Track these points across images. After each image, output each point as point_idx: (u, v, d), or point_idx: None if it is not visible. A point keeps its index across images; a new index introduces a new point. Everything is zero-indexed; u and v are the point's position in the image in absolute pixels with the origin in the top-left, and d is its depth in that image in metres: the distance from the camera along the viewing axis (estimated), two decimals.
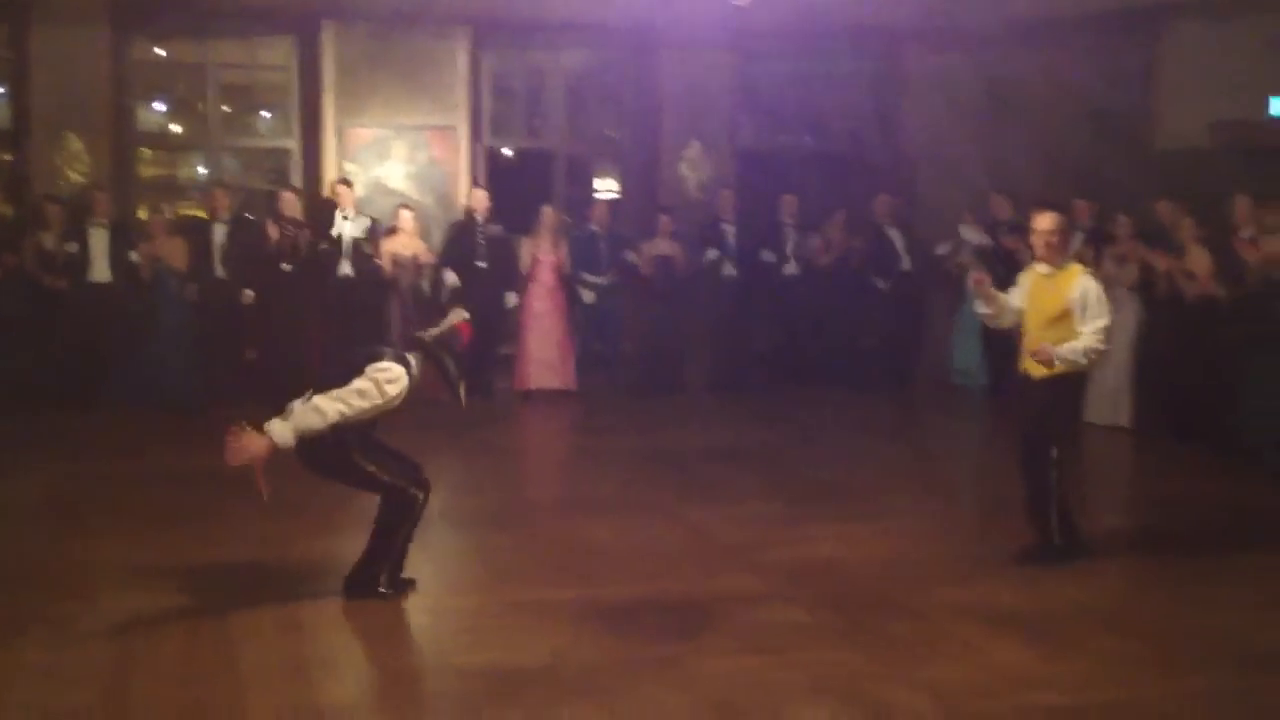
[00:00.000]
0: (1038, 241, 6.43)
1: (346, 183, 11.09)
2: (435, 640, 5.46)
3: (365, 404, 5.32)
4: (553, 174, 12.57)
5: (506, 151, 12.84)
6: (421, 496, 5.74)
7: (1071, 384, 6.48)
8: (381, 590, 5.71)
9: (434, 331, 5.74)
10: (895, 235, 11.93)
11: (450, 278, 11.00)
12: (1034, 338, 6.39)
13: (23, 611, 5.50)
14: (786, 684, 4.92)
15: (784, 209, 11.95)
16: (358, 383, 5.33)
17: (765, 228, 11.96)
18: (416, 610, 5.74)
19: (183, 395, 10.24)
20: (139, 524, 7.05)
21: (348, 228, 10.88)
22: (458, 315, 5.82)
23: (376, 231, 10.93)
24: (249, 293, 10.63)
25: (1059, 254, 6.43)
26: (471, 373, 10.46)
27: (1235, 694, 4.85)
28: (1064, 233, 6.52)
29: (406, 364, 5.51)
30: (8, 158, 11.51)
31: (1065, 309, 6.27)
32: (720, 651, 5.25)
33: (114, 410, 10.18)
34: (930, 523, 7.28)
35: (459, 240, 11.25)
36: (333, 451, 5.48)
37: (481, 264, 11.15)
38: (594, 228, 11.68)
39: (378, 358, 5.45)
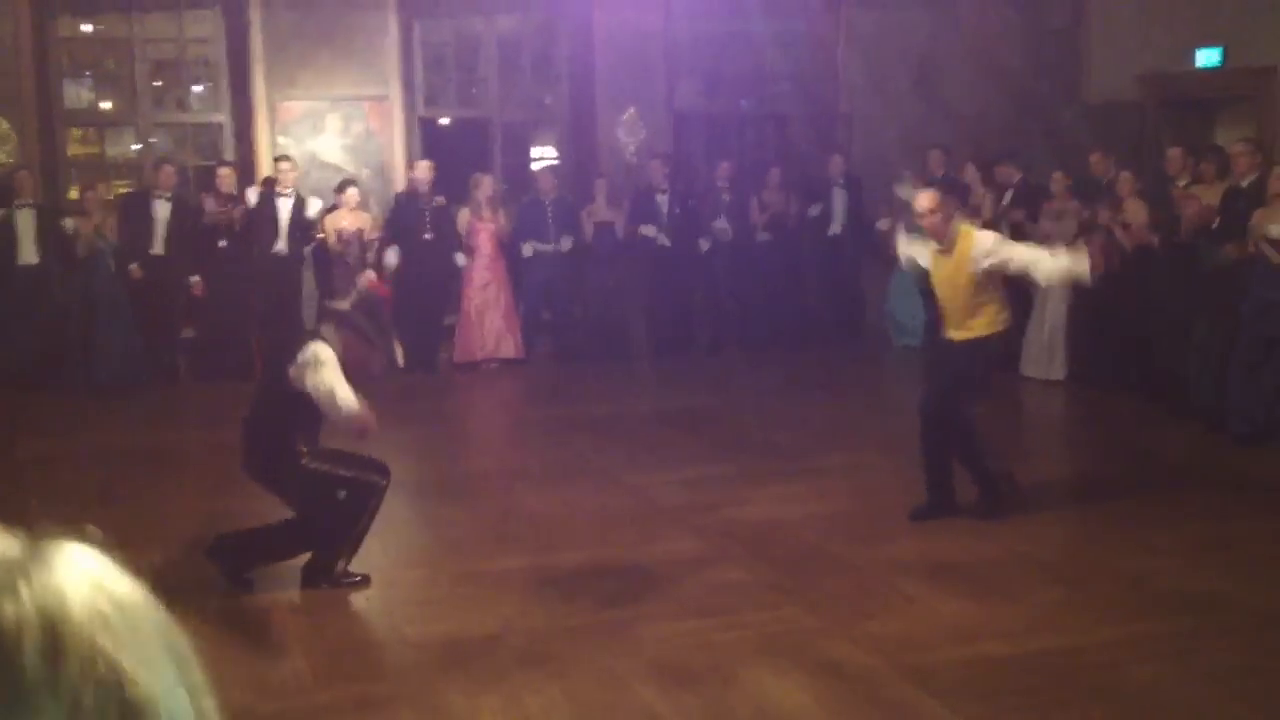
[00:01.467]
0: (921, 223, 6.49)
1: (286, 159, 10.87)
2: (386, 612, 5.48)
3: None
4: (489, 142, 12.50)
5: (442, 121, 12.74)
6: (384, 482, 5.73)
7: (990, 346, 6.55)
8: (346, 579, 5.68)
9: (345, 301, 5.73)
10: (839, 196, 11.96)
11: (391, 258, 10.81)
12: (951, 313, 6.47)
13: None
14: (734, 644, 5.00)
15: (719, 174, 11.88)
16: (313, 382, 5.33)
17: (701, 194, 11.92)
18: (373, 583, 5.74)
19: (121, 374, 10.11)
20: (78, 506, 6.98)
21: (286, 205, 10.71)
22: (365, 278, 5.82)
23: (320, 208, 10.75)
24: (197, 279, 10.48)
25: (944, 229, 6.45)
26: (416, 345, 10.52)
27: (1173, 637, 4.98)
28: (945, 208, 6.47)
29: (324, 339, 5.50)
30: None
31: (970, 274, 6.32)
32: (667, 615, 5.32)
33: (52, 392, 10.03)
34: (871, 479, 7.37)
35: (404, 213, 11.10)
36: (286, 462, 5.48)
37: (428, 235, 11.02)
38: (540, 196, 11.58)
39: (301, 345, 5.45)
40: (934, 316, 7.25)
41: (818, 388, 10.44)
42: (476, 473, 8.15)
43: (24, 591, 0.74)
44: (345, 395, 5.33)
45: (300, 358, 5.36)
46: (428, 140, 12.14)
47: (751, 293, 11.92)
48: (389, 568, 5.95)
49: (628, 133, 12.28)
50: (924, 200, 6.41)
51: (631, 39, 12.05)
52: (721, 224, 11.69)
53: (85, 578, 0.78)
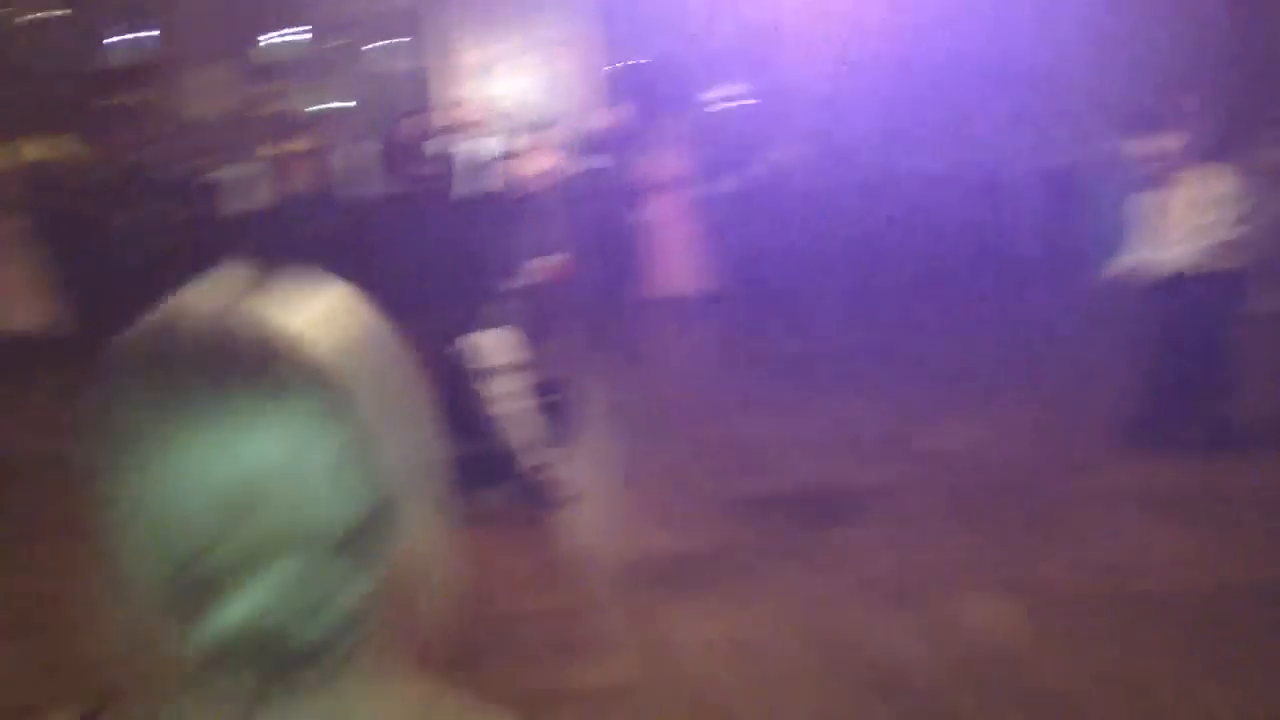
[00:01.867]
0: None
1: (472, 102, 11.03)
2: (588, 530, 5.58)
3: None
4: (677, 83, 12.45)
5: (629, 64, 12.75)
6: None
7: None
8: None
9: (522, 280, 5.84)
10: None
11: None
12: None
13: None
14: (944, 567, 4.96)
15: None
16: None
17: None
18: (570, 505, 5.87)
19: None
20: None
21: (473, 149, 10.83)
22: (551, 260, 5.92)
23: (509, 150, 10.86)
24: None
25: None
26: (612, 286, 10.58)
27: None
28: None
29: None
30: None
31: None
32: (878, 539, 5.30)
33: None
34: (1079, 412, 7.14)
35: (596, 154, 11.06)
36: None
37: (615, 177, 10.94)
38: (716, 135, 11.45)
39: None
40: None
41: (1019, 324, 10.10)
42: (687, 401, 8.18)
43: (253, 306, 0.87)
44: None
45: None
46: (616, 83, 12.18)
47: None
48: (594, 487, 6.05)
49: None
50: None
51: None
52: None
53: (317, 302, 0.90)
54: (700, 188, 11.31)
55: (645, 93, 12.13)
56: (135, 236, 10.13)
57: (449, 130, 10.95)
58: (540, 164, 10.66)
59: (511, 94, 11.66)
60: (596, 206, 10.75)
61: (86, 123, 11.51)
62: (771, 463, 6.46)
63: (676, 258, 11.28)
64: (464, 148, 10.67)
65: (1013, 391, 7.78)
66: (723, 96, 13.09)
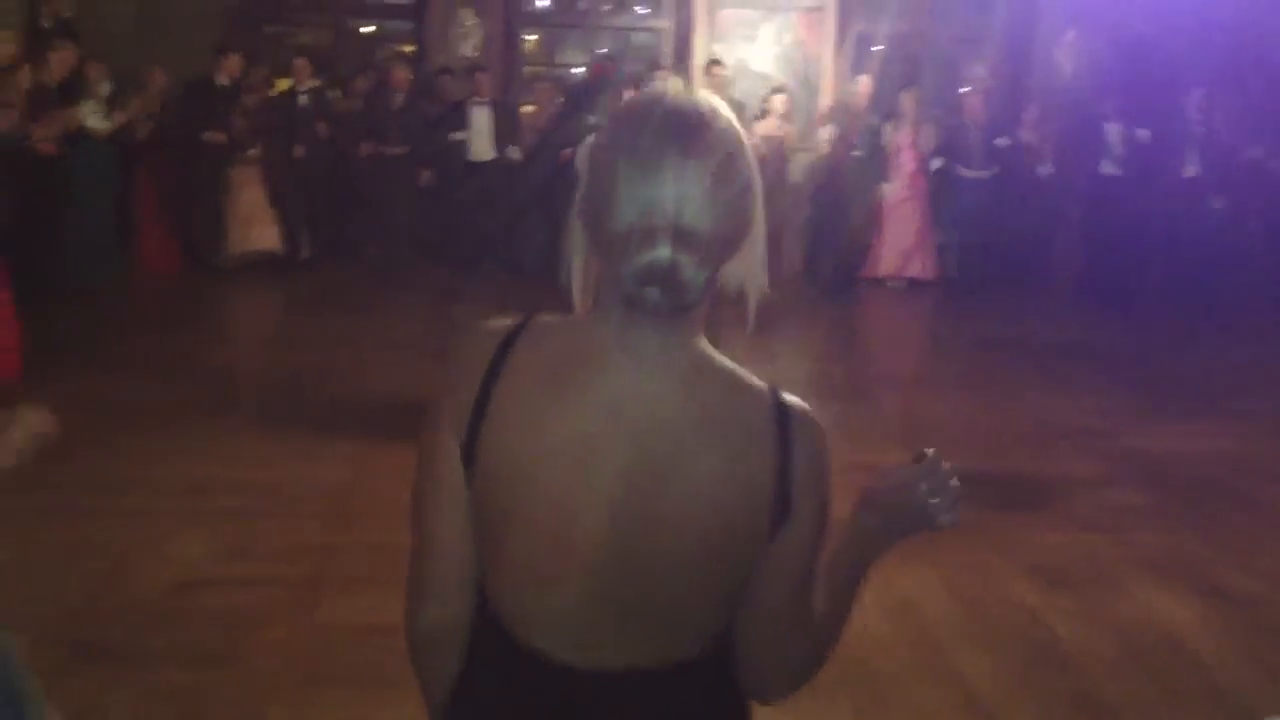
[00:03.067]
0: None
1: (719, 63, 10.86)
2: None
3: None
4: (919, 60, 12.35)
5: (882, 36, 12.68)
6: None
7: None
8: None
9: None
10: None
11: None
12: None
13: None
14: (1119, 559, 4.94)
15: (1191, 104, 10.67)
16: None
17: (1165, 129, 10.79)
18: None
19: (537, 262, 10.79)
20: None
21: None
22: None
23: (746, 114, 10.95)
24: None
25: None
26: (842, 267, 10.70)
27: None
28: None
29: None
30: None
31: None
32: (1054, 526, 5.30)
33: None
34: None
35: (841, 128, 10.97)
36: None
37: (858, 153, 10.87)
38: (966, 119, 11.21)
39: None
40: None
41: (1238, 332, 9.77)
42: (878, 377, 8.28)
43: None
44: None
45: None
46: (859, 55, 12.14)
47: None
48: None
49: (1067, 56, 11.81)
50: None
51: None
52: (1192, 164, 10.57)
53: None
54: (947, 168, 11.17)
55: (898, 65, 12.02)
56: (378, 170, 10.73)
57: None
58: (774, 129, 10.79)
59: (754, 58, 11.76)
60: (834, 179, 10.79)
61: (348, 60, 12.15)
62: (966, 442, 6.48)
63: (902, 236, 11.24)
64: None
65: (1238, 401, 7.56)
66: (981, 75, 12.87)
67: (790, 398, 1.44)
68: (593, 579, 1.40)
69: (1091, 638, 4.24)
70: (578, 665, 1.45)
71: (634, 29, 13.01)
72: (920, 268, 11.38)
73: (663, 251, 1.30)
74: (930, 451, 1.59)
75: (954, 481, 1.57)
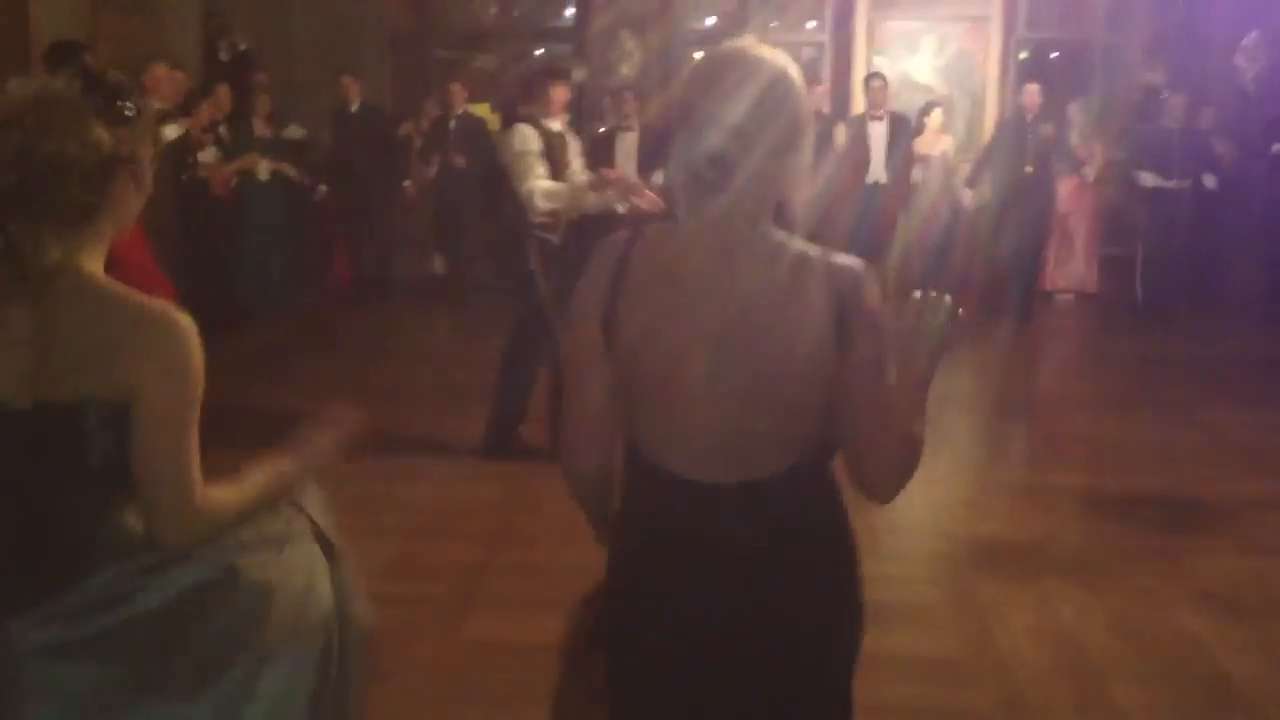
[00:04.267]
0: None
1: (879, 76, 10.60)
2: (929, 506, 5.63)
3: None
4: (1090, 67, 12.01)
5: (1046, 45, 12.37)
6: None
7: None
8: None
9: None
10: None
11: (968, 196, 10.23)
12: None
13: None
14: None
15: None
16: None
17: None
18: (916, 480, 5.91)
19: None
20: None
21: (880, 129, 10.46)
22: None
23: (906, 128, 10.72)
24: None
25: None
26: (1012, 291, 10.23)
27: None
28: None
29: None
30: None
31: None
32: (1225, 549, 5.08)
33: None
34: None
35: (1005, 140, 10.24)
36: None
37: (1029, 169, 9.98)
38: (1168, 123, 10.34)
39: None
40: None
41: None
42: (1040, 394, 8.09)
43: None
44: None
45: None
46: (1026, 64, 11.86)
47: None
48: (941, 468, 6.09)
49: (1247, 59, 11.34)
50: None
51: None
52: None
53: None
54: (1122, 181, 10.75)
55: (1060, 76, 11.71)
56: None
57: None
58: (939, 144, 10.58)
59: (916, 70, 11.59)
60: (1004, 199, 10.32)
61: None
62: (1133, 462, 6.26)
63: (1067, 249, 10.94)
64: (870, 127, 10.51)
65: None
66: (1156, 86, 12.41)
67: (841, 258, 1.90)
68: (711, 408, 1.89)
69: (1268, 673, 4.03)
70: (704, 479, 1.93)
71: (797, 44, 12.94)
72: (1087, 282, 11.06)
73: (716, 140, 1.83)
74: (919, 294, 1.96)
75: (945, 301, 1.95)
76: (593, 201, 5.75)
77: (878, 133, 10.43)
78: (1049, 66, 12.14)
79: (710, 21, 13.10)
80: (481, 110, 11.15)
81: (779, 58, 1.88)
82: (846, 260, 1.90)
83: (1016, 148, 9.98)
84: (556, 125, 5.86)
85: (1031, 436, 6.83)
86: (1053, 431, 6.99)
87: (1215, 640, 4.27)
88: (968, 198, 10.23)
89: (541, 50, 13.65)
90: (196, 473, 1.95)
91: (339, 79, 10.54)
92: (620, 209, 5.83)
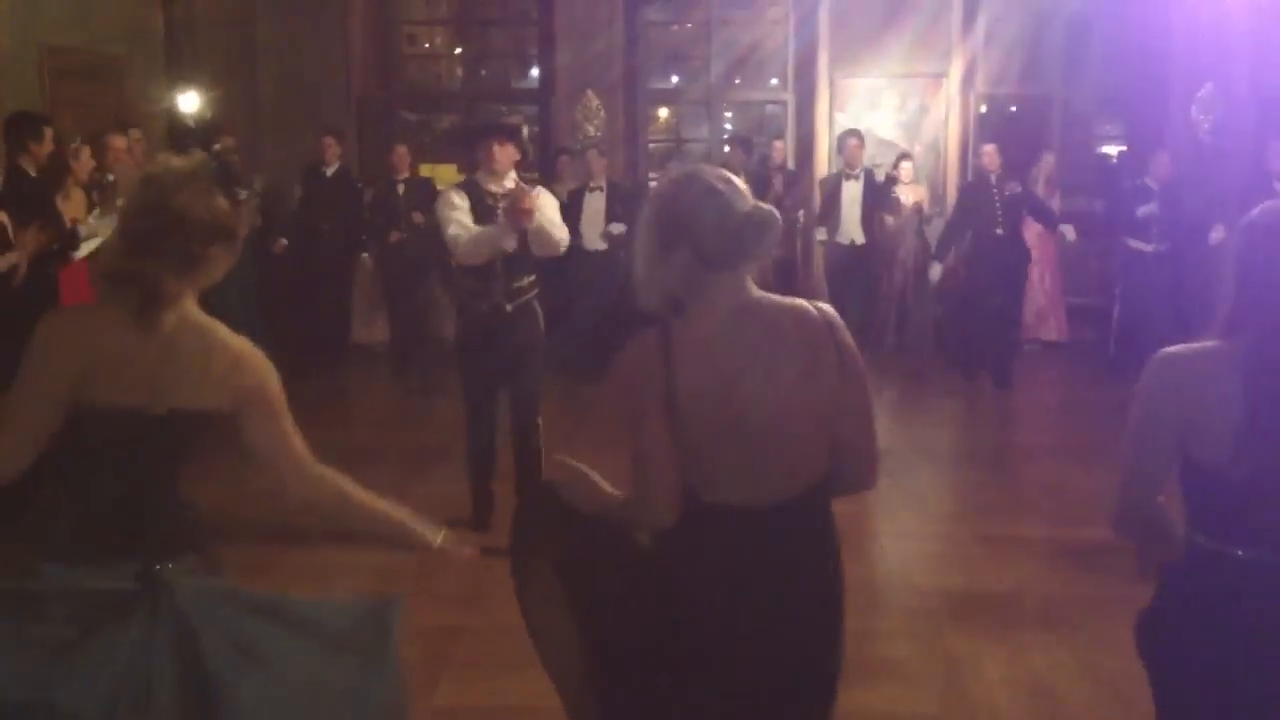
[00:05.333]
0: None
1: (856, 135, 10.12)
2: (902, 560, 5.63)
3: None
4: (1049, 121, 12.18)
5: (1007, 100, 12.53)
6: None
7: None
8: None
9: None
10: None
11: (935, 271, 10.05)
12: None
13: None
14: None
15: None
16: None
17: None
18: (886, 534, 5.94)
19: None
20: None
21: (855, 187, 9.96)
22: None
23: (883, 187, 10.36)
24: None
25: None
26: (989, 359, 9.67)
27: None
28: None
29: None
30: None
31: None
32: None
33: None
34: None
35: (972, 202, 9.83)
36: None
37: (999, 230, 9.54)
38: (1149, 182, 9.86)
39: None
40: None
41: None
42: (1010, 445, 8.11)
43: None
44: None
45: None
46: (986, 119, 12.01)
47: None
48: (911, 521, 6.10)
49: (1203, 110, 11.52)
50: None
51: (1212, 9, 11.28)
52: None
53: None
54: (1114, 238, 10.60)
55: (1020, 131, 11.83)
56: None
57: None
58: (913, 193, 10.64)
59: (878, 126, 11.69)
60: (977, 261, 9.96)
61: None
62: (1102, 512, 6.24)
63: (1041, 298, 11.03)
64: (846, 185, 10.07)
65: None
66: (1118, 138, 12.56)
67: (828, 309, 2.49)
68: (749, 444, 2.39)
69: None
70: (742, 505, 2.42)
71: (759, 102, 13.13)
72: (1055, 331, 11.15)
73: (730, 237, 2.41)
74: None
75: None
76: (513, 243, 5.52)
77: (852, 192, 10.04)
78: (1009, 122, 12.31)
79: (674, 80, 13.28)
80: (447, 172, 11.13)
81: (733, 179, 2.49)
82: (828, 308, 2.49)
83: (984, 210, 9.64)
84: (502, 184, 5.55)
85: (1002, 487, 6.84)
86: (1022, 482, 7.02)
87: None
88: (935, 272, 10.06)
89: (506, 110, 13.79)
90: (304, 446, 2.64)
91: (321, 138, 10.41)
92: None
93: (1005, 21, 12.09)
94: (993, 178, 9.66)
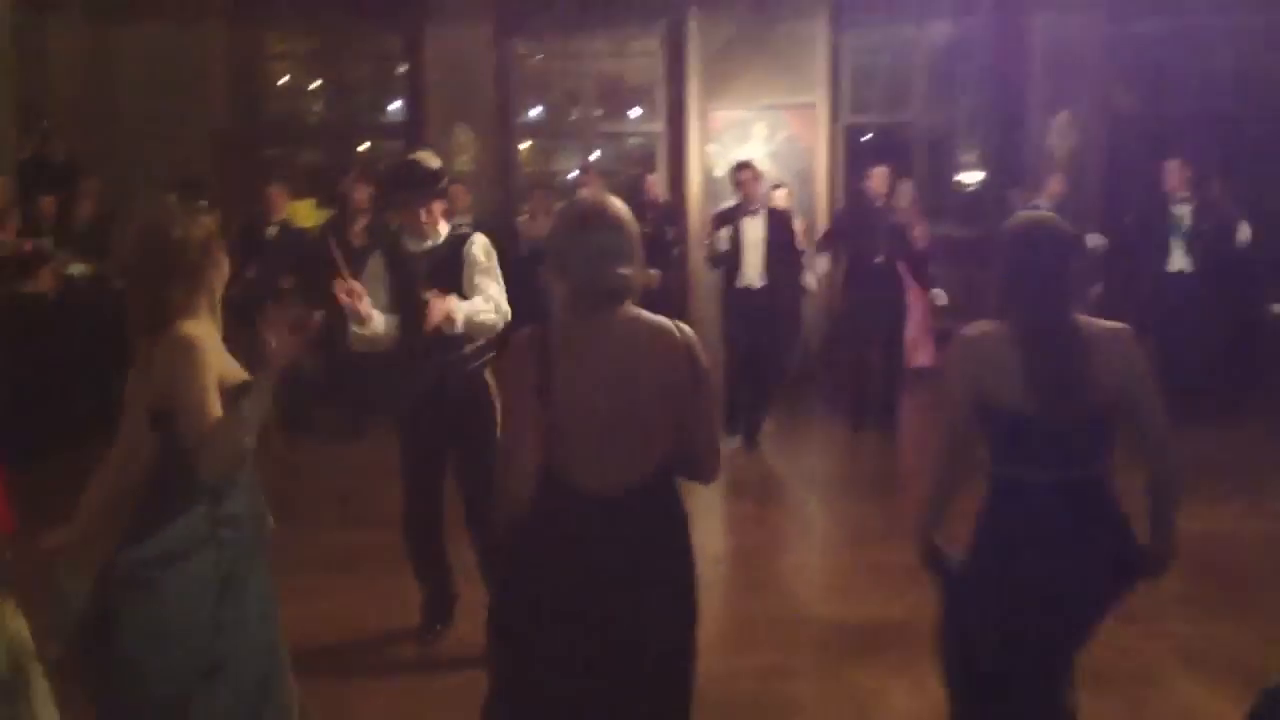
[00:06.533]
0: None
1: (749, 166, 8.93)
2: (797, 593, 5.61)
3: None
4: (913, 150, 12.42)
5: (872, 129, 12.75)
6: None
7: None
8: None
9: None
10: None
11: (810, 281, 9.51)
12: None
13: None
14: (1159, 652, 4.82)
15: (1170, 177, 9.46)
16: None
17: (1145, 202, 10.14)
18: (784, 566, 5.93)
19: None
20: None
21: (757, 224, 8.78)
22: None
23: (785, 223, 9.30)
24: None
25: None
26: (873, 393, 9.37)
27: None
28: None
29: None
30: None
31: None
32: None
33: None
34: None
35: (851, 229, 9.36)
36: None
37: (879, 259, 9.02)
38: (1042, 203, 9.51)
39: None
40: None
41: (1260, 412, 9.64)
42: (889, 471, 8.18)
43: None
44: None
45: None
46: (851, 148, 12.20)
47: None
48: (804, 553, 6.10)
49: (1059, 138, 11.86)
50: None
51: (1066, 41, 11.65)
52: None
53: None
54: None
55: (889, 159, 11.97)
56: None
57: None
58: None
59: (749, 157, 11.75)
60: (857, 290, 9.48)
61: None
62: None
63: (912, 327, 11.18)
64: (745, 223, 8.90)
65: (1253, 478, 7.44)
66: (978, 168, 12.83)
67: (688, 331, 2.93)
68: (605, 432, 2.83)
69: None
70: (598, 490, 2.85)
71: (629, 134, 13.13)
72: (925, 356, 11.32)
73: (614, 273, 2.88)
74: None
75: None
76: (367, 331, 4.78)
77: (754, 230, 8.77)
78: (872, 150, 12.51)
79: (537, 112, 13.19)
80: (305, 209, 10.74)
81: (616, 202, 2.98)
82: (688, 330, 2.95)
83: (864, 236, 9.10)
84: (423, 244, 4.84)
85: (888, 514, 6.87)
86: (906, 508, 7.04)
87: (1091, 712, 4.29)
88: (811, 280, 9.66)
89: (367, 145, 13.56)
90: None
91: (266, 190, 9.40)
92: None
93: (868, 52, 12.35)
94: (878, 202, 9.22)
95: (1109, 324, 3.18)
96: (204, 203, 8.47)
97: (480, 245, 4.86)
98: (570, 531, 2.85)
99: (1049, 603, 3.12)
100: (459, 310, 4.65)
